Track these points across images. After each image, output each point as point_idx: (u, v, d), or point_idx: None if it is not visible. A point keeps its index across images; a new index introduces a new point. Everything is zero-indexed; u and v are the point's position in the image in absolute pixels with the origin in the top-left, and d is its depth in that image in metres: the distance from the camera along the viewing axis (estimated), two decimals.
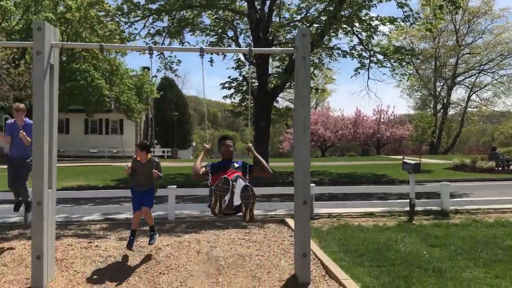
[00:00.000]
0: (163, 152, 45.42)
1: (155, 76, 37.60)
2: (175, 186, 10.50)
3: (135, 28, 19.09)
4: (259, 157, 5.50)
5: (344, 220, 9.73)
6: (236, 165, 5.40)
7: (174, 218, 9.92)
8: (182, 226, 9.22)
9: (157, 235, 7.03)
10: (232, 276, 5.92)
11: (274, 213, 10.54)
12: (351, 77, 21.17)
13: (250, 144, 5.45)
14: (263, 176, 5.59)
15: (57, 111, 5.73)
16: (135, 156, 6.79)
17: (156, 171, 6.50)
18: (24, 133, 6.66)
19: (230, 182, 4.87)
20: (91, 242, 7.56)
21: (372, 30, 19.57)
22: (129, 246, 6.64)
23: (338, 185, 16.01)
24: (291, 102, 58.58)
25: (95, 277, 5.88)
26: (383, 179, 19.22)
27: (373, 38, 20.27)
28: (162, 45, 19.93)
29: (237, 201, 4.88)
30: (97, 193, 12.04)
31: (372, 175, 20.66)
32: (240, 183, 4.99)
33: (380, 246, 7.27)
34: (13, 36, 31.30)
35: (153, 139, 51.51)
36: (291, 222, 9.06)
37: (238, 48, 8.37)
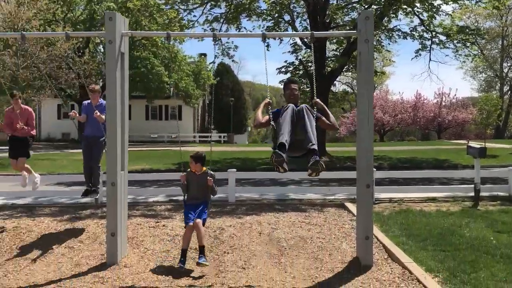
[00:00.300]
0: (219, 137, 46.18)
1: (213, 63, 38.18)
2: (235, 170, 10.73)
3: (194, 16, 19.46)
4: (327, 109, 5.29)
5: (406, 205, 9.59)
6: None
7: (234, 201, 10.17)
8: (242, 208, 9.45)
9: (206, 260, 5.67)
10: (294, 257, 6.04)
11: (333, 197, 10.55)
12: (412, 59, 20.62)
13: (319, 100, 5.23)
14: (328, 129, 5.42)
15: (127, 97, 6.03)
16: (189, 170, 6.08)
17: (211, 178, 5.95)
18: (98, 113, 6.96)
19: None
20: (158, 222, 7.94)
21: (434, 10, 18.83)
22: (182, 266, 5.51)
23: (398, 170, 15.68)
24: (347, 85, 57.64)
25: (164, 254, 6.20)
26: (445, 164, 18.64)
27: (435, 18, 19.51)
28: (219, 31, 20.19)
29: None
30: (161, 176, 12.52)
31: (434, 160, 20.07)
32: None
33: (444, 231, 7.13)
34: (78, 26, 32.70)
35: (210, 124, 52.56)
36: (351, 206, 9.07)
37: (299, 32, 8.34)
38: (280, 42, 22.92)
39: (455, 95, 50.49)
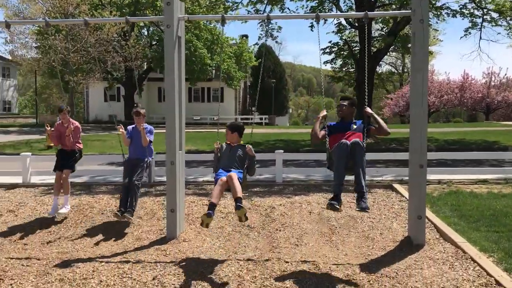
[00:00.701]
0: (261, 119, 46.40)
1: (257, 44, 38.17)
2: (282, 151, 10.89)
3: None
4: (377, 117, 5.39)
5: (455, 186, 9.48)
6: (355, 126, 5.36)
7: (281, 181, 10.35)
8: (290, 188, 9.62)
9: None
10: (345, 236, 6.17)
11: (380, 178, 10.55)
12: (461, 38, 19.77)
13: (368, 109, 5.39)
14: (380, 135, 5.58)
15: (184, 79, 6.26)
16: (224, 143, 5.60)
17: (250, 148, 5.32)
18: (147, 136, 6.84)
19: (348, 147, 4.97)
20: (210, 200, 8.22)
21: None
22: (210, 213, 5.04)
23: (446, 151, 15.41)
24: (391, 65, 56.36)
25: (219, 230, 6.47)
26: (495, 146, 18.11)
27: None
28: (263, 12, 20.17)
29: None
30: (206, 157, 12.83)
31: (483, 141, 19.53)
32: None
33: (496, 212, 7.06)
34: (123, 10, 33.42)
35: (252, 106, 52.77)
36: (399, 187, 9.08)
37: (352, 13, 8.24)
38: (325, 22, 22.67)
39: (505, 74, 48.62)
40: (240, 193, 4.96)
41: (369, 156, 12.08)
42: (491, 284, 4.26)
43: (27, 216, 7.43)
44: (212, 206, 4.96)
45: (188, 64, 34.92)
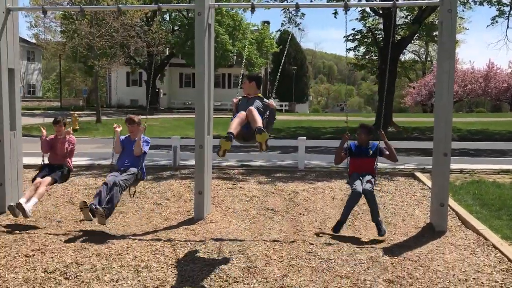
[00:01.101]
0: (281, 106, 46.39)
1: (279, 30, 37.97)
2: (305, 138, 11.02)
3: None
4: (389, 144, 5.99)
5: (478, 176, 9.51)
6: (371, 152, 5.94)
7: (303, 167, 10.51)
8: (312, 175, 9.77)
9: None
10: (367, 221, 6.30)
11: (402, 167, 10.62)
12: (487, 26, 19.32)
13: (382, 133, 5.93)
14: (389, 160, 6.14)
15: (213, 65, 6.42)
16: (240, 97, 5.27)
17: (271, 102, 4.98)
18: (141, 145, 6.07)
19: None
20: (234, 184, 8.45)
21: None
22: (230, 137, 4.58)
23: (468, 141, 15.32)
24: (414, 53, 55.56)
25: (244, 213, 6.67)
26: None
27: None
28: (286, 0, 20.13)
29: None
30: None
31: (507, 132, 19.34)
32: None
33: None
34: None
35: (271, 92, 52.67)
36: (421, 176, 9.15)
37: (381, 2, 8.21)
38: (348, 9, 22.47)
39: None
40: (260, 123, 4.57)
41: (391, 144, 12.21)
42: None
43: (60, 195, 7.75)
44: (230, 133, 4.57)
45: None
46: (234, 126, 4.62)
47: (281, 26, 22.07)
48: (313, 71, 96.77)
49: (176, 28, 37.85)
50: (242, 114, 4.71)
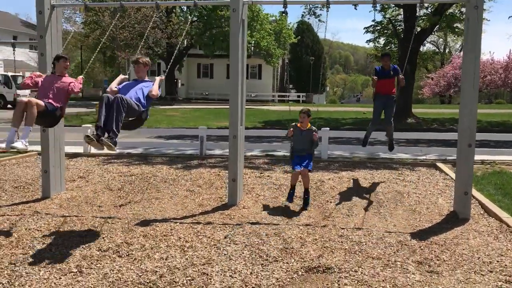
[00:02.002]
0: (298, 96, 46.57)
1: (300, 21, 37.95)
2: (328, 128, 11.30)
3: None
4: (403, 78, 7.82)
5: (499, 167, 9.71)
6: (392, 73, 7.77)
7: (327, 157, 10.80)
8: (336, 164, 10.06)
9: (310, 200, 6.75)
10: (392, 209, 6.60)
11: (424, 157, 10.84)
12: (509, 17, 19.10)
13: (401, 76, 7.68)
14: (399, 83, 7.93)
15: (246, 60, 6.74)
16: (294, 124, 6.81)
17: (316, 133, 6.63)
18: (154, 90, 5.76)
19: None
20: (262, 173, 8.80)
21: None
22: (289, 200, 6.64)
23: (489, 133, 15.44)
24: (433, 44, 55.06)
25: (274, 200, 7.01)
26: None
27: None
28: None
29: None
30: (248, 132, 13.37)
31: None
32: None
33: None
34: None
35: (288, 83, 52.79)
36: (443, 166, 9.38)
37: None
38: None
39: None
40: (308, 185, 6.72)
41: (412, 135, 12.54)
42: None
43: (97, 182, 8.18)
44: (292, 188, 6.76)
45: (228, 40, 35.30)
46: (294, 180, 6.77)
47: (302, 17, 22.25)
48: (329, 62, 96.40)
49: (195, 19, 38.21)
50: (297, 172, 6.59)
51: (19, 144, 5.45)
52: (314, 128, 6.81)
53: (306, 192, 6.70)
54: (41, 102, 5.54)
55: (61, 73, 6.09)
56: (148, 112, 5.87)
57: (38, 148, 11.65)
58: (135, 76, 6.06)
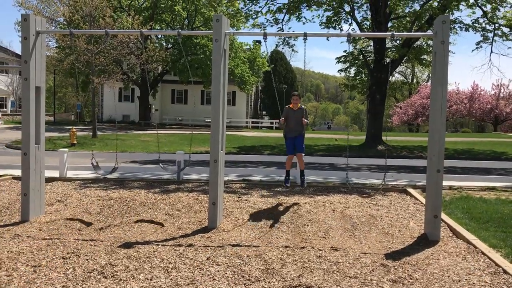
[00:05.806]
0: (271, 123, 47.15)
1: (273, 50, 38.81)
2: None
3: (260, 7, 20.33)
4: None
5: (465, 192, 10.17)
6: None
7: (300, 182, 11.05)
8: (311, 189, 10.33)
9: (306, 177, 8.85)
10: (366, 232, 6.87)
11: (395, 183, 11.24)
12: (472, 51, 20.32)
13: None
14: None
15: (227, 87, 7.00)
16: (287, 106, 8.26)
17: (304, 119, 8.02)
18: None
19: None
20: (240, 197, 8.97)
21: (499, 1, 18.81)
22: (286, 183, 8.64)
23: (455, 160, 16.07)
24: (401, 74, 56.95)
25: (253, 223, 7.19)
26: (503, 156, 18.75)
27: (499, 10, 19.46)
28: (282, 21, 20.95)
29: None
30: (231, 157, 13.55)
31: (491, 152, 20.18)
32: None
33: (504, 216, 7.74)
34: (143, 14, 34.35)
35: (261, 110, 53.37)
36: (413, 191, 9.77)
37: (381, 33, 8.76)
38: (341, 31, 23.41)
39: None
40: (303, 166, 8.59)
41: (382, 162, 12.90)
42: (499, 273, 4.95)
43: (76, 205, 8.19)
44: (287, 173, 8.61)
45: (203, 68, 35.81)
46: (289, 166, 8.44)
47: (276, 47, 22.87)
48: (301, 90, 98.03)
49: (169, 46, 38.57)
50: (291, 156, 8.33)
51: None
52: (303, 107, 8.25)
53: (302, 173, 8.48)
54: None
55: None
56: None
57: (12, 172, 11.63)
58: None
